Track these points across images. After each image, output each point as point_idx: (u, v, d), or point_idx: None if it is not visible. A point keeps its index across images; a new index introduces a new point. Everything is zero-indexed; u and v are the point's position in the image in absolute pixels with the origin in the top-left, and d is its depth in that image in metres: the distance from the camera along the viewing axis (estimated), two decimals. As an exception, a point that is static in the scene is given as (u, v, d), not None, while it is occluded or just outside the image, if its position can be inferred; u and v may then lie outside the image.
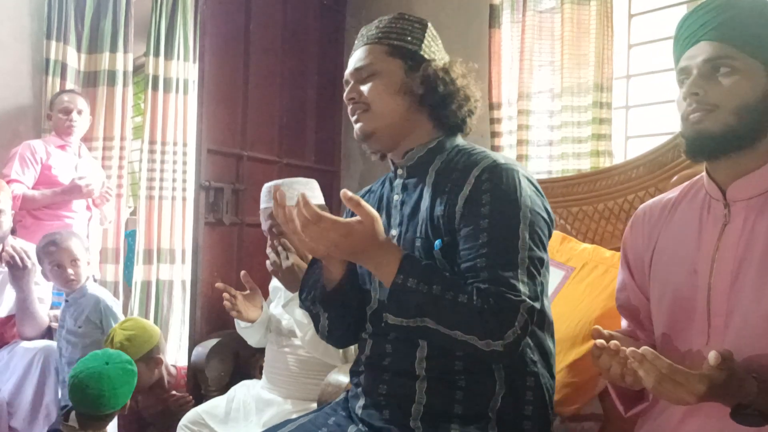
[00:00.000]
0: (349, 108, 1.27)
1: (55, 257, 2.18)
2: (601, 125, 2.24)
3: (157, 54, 3.43)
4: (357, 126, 1.25)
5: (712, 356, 0.90)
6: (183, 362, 2.95)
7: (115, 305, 2.30)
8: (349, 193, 1.04)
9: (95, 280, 3.00)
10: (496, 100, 2.53)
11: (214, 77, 2.57)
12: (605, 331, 1.03)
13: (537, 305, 1.07)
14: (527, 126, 2.42)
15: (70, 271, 2.18)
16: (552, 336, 1.24)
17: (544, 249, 1.13)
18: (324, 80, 3.11)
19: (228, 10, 2.65)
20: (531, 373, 1.16)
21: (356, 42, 1.30)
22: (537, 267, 1.10)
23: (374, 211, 1.07)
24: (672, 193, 1.23)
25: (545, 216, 1.15)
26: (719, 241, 1.08)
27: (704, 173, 1.14)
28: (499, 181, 1.11)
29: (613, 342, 0.98)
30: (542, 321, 1.19)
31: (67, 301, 2.23)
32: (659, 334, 1.17)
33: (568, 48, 2.29)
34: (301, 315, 1.85)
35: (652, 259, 1.20)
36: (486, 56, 2.56)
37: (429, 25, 1.29)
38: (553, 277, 1.76)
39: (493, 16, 2.52)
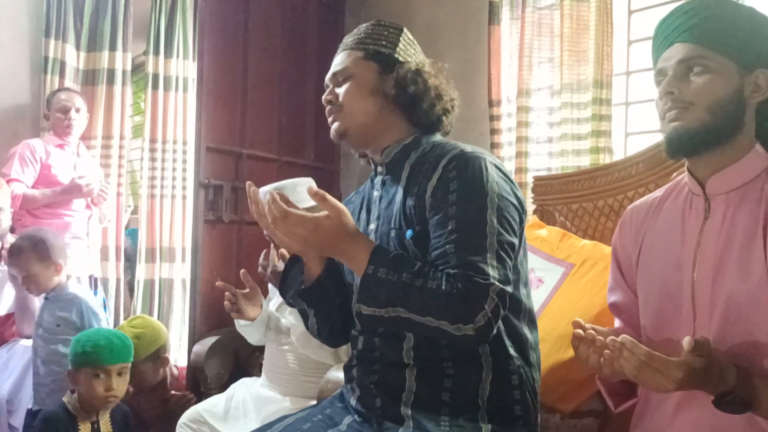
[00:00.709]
0: (326, 110, 1.32)
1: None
2: (601, 122, 2.23)
3: (156, 52, 3.43)
4: (332, 127, 1.31)
5: (686, 342, 0.93)
6: (183, 361, 2.95)
7: (97, 306, 2.26)
8: (314, 188, 1.08)
9: (95, 279, 3.01)
10: (495, 98, 2.53)
11: (213, 75, 2.56)
12: (586, 324, 1.05)
13: (508, 288, 1.08)
14: (527, 123, 2.41)
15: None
16: (531, 323, 1.25)
17: (515, 234, 1.15)
18: (323, 78, 3.08)
19: (227, 8, 2.64)
20: (512, 357, 1.18)
21: (338, 49, 1.36)
22: (507, 251, 1.11)
23: (341, 205, 1.11)
24: (658, 193, 1.26)
25: (514, 201, 1.17)
26: (700, 235, 1.11)
27: (685, 170, 1.17)
28: (465, 169, 1.14)
29: (589, 332, 1.01)
30: (518, 308, 1.20)
31: (47, 298, 2.19)
32: (647, 331, 1.19)
33: (567, 44, 2.28)
34: (291, 317, 1.85)
35: (639, 258, 1.22)
36: (485, 53, 2.56)
37: (405, 30, 1.34)
38: (553, 273, 1.76)
39: (493, 12, 2.51)
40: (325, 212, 1.09)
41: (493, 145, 2.54)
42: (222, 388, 2.26)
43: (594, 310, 1.59)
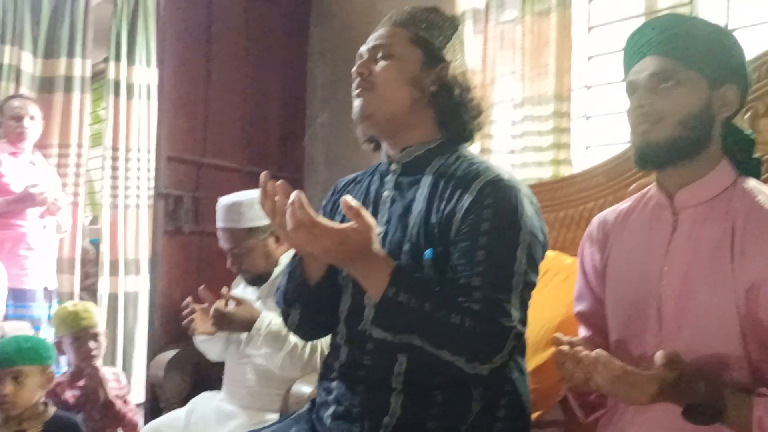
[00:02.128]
0: (354, 83, 1.21)
1: None
2: (561, 134, 2.27)
3: (118, 59, 3.38)
4: (356, 103, 1.20)
5: (659, 356, 0.94)
6: (142, 375, 2.88)
7: None
8: (352, 202, 1.00)
9: (50, 291, 2.92)
10: (459, 109, 2.55)
11: (174, 83, 2.52)
12: (564, 338, 1.05)
13: (524, 330, 1.07)
14: (489, 135, 2.44)
15: None
16: (521, 350, 1.23)
17: (537, 273, 1.13)
18: (287, 87, 3.08)
19: (188, 15, 2.61)
20: (507, 391, 1.16)
21: (382, 22, 1.26)
22: (529, 291, 1.10)
23: (373, 220, 1.03)
24: (626, 203, 1.27)
25: (542, 239, 1.15)
26: (668, 247, 1.12)
27: (654, 182, 1.19)
28: (501, 198, 1.10)
29: (577, 349, 1.00)
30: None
31: None
32: (614, 340, 1.20)
33: (528, 59, 2.32)
34: (265, 347, 1.81)
35: (606, 268, 1.23)
36: (449, 66, 2.58)
37: (461, 28, 1.27)
38: (515, 284, 1.77)
39: (456, 26, 2.54)
40: (352, 224, 1.01)
41: (457, 157, 2.55)
42: (182, 402, 2.21)
43: (556, 319, 1.61)
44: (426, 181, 1.19)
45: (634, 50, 1.14)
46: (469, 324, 1.02)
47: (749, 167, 1.14)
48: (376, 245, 1.05)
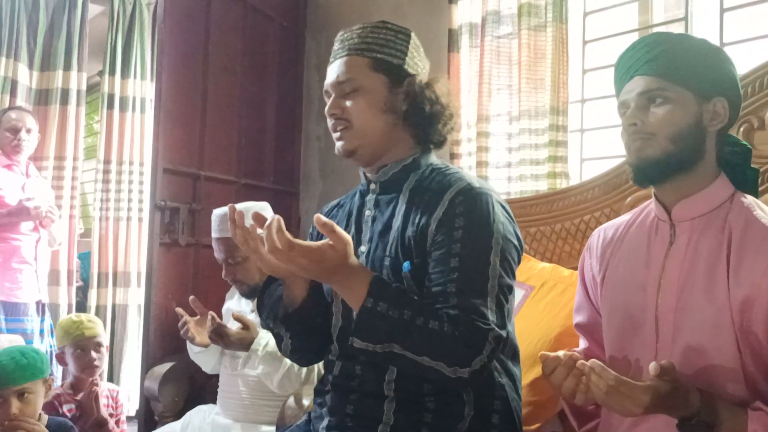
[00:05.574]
0: (330, 123, 1.24)
1: None
2: (558, 147, 2.28)
3: (113, 72, 3.39)
4: (339, 144, 1.23)
5: (652, 367, 0.94)
6: (136, 388, 2.85)
7: None
8: (323, 219, 1.00)
9: (43, 305, 2.90)
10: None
11: (171, 96, 2.52)
12: (551, 354, 1.05)
13: (503, 333, 1.07)
14: (486, 148, 2.45)
15: None
16: (514, 358, 1.24)
17: (513, 276, 1.14)
18: (283, 100, 3.09)
19: (186, 29, 2.62)
20: (499, 396, 1.17)
21: (336, 48, 1.26)
22: (505, 294, 1.11)
23: (347, 236, 1.04)
24: (625, 217, 1.29)
25: (516, 242, 1.16)
26: (665, 259, 1.14)
27: (653, 196, 1.21)
28: (473, 206, 1.12)
29: (574, 355, 1.00)
30: (504, 344, 1.18)
31: None
32: (609, 351, 1.21)
33: (525, 72, 2.34)
34: (261, 366, 1.79)
35: (604, 279, 1.25)
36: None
37: (412, 35, 1.26)
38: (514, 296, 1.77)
39: (452, 40, 2.56)
40: (328, 240, 1.02)
41: (453, 170, 2.55)
42: (177, 415, 2.19)
43: (554, 331, 1.61)
44: (404, 197, 1.21)
45: (624, 70, 1.17)
46: (447, 329, 1.03)
47: (747, 177, 1.16)
48: (353, 258, 1.07)
